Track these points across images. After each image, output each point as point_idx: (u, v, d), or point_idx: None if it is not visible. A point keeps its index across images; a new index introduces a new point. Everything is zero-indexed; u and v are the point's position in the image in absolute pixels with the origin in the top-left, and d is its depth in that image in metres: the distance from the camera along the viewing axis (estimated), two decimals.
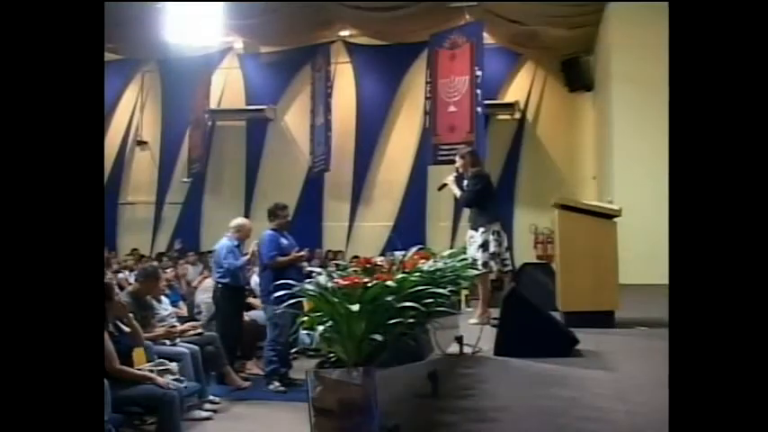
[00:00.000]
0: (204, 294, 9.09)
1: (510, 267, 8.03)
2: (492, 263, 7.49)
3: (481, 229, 7.54)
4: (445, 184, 8.09)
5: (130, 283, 9.27)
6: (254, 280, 9.35)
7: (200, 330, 7.86)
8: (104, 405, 4.97)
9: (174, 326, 7.52)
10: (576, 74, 16.13)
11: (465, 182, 7.82)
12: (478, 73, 14.30)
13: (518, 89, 17.02)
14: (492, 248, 7.48)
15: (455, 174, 8.00)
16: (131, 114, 19.31)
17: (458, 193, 7.84)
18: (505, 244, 7.71)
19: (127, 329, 6.12)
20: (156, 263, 12.13)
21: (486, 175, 8.06)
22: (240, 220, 9.04)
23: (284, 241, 8.05)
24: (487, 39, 15.29)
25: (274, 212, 8.25)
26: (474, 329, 6.33)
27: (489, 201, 7.78)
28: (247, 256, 8.55)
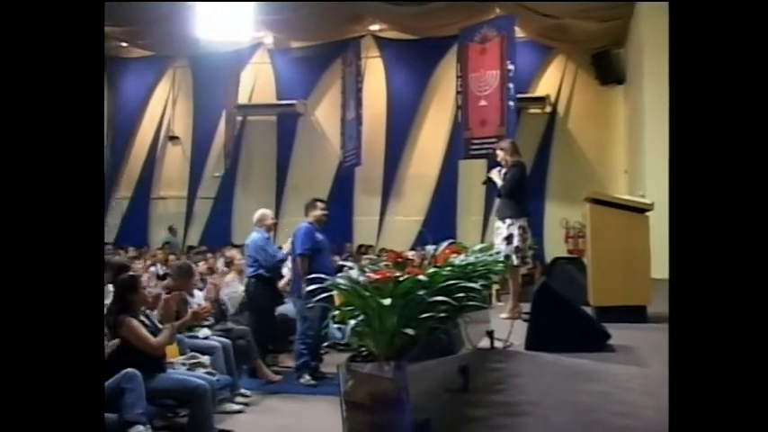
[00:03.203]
0: (228, 289, 9.13)
1: (531, 265, 8.01)
2: (514, 257, 7.46)
3: (508, 221, 7.53)
4: (490, 178, 8.06)
5: (160, 276, 9.35)
6: (285, 272, 9.38)
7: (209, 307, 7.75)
8: (139, 398, 5.03)
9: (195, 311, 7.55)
10: (607, 67, 16.01)
11: (504, 171, 7.81)
12: (510, 67, 14.25)
13: (549, 83, 16.94)
14: (516, 242, 7.47)
15: (498, 167, 7.97)
16: (163, 110, 19.45)
17: (500, 184, 7.83)
18: (529, 241, 7.69)
19: (156, 320, 6.18)
20: (186, 257, 12.23)
21: (523, 165, 8.01)
22: (260, 212, 9.07)
23: (319, 236, 8.07)
24: (518, 32, 15.22)
25: (312, 206, 8.28)
26: (505, 324, 6.32)
27: (521, 193, 7.76)
28: (285, 251, 8.57)
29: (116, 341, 5.38)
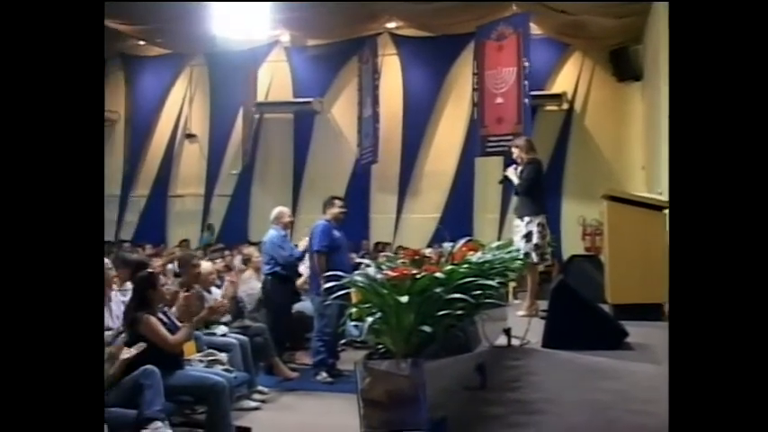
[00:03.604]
0: (245, 286, 9.17)
1: (549, 262, 8.01)
2: (533, 254, 7.48)
3: (526, 219, 7.54)
4: (506, 177, 8.05)
5: (177, 274, 9.39)
6: (302, 270, 9.42)
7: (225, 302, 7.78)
8: (158, 394, 5.06)
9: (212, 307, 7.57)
10: (624, 64, 15.91)
11: (520, 169, 7.79)
12: (526, 64, 14.20)
13: (566, 80, 16.86)
14: (535, 240, 7.48)
15: (514, 165, 7.96)
16: (180, 108, 19.50)
17: (516, 182, 7.81)
18: (548, 238, 7.69)
19: (174, 318, 6.21)
20: (197, 252, 12.25)
21: (539, 162, 8.01)
22: (277, 210, 9.13)
23: (336, 233, 8.09)
24: (534, 29, 15.17)
25: (330, 204, 8.31)
26: (522, 321, 6.31)
27: (538, 190, 7.75)
28: (302, 247, 8.60)
29: (142, 344, 5.39)
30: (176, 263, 8.76)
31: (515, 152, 7.93)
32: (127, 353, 5.17)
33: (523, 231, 7.52)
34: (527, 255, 7.40)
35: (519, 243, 7.44)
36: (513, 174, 7.86)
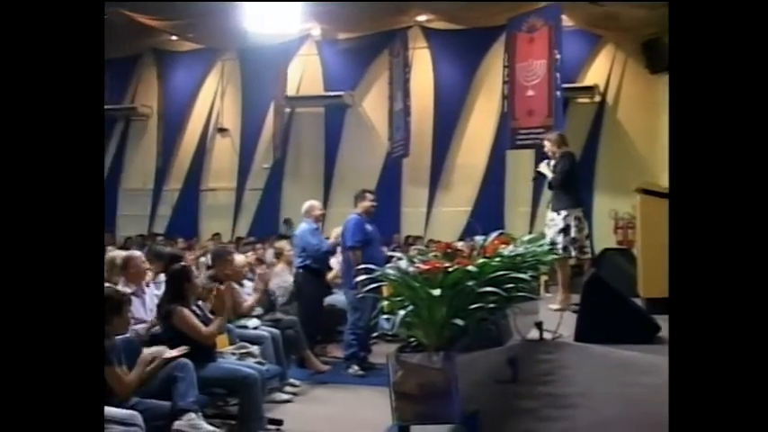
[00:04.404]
0: (277, 279, 9.22)
1: (589, 255, 7.94)
2: (571, 248, 7.44)
3: (563, 213, 7.48)
4: (539, 173, 8.01)
5: (209, 267, 9.46)
6: (334, 263, 9.45)
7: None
8: (191, 386, 5.11)
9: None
10: (657, 55, 15.72)
11: (553, 163, 7.76)
12: (557, 56, 14.11)
13: (598, 72, 16.72)
14: (573, 233, 7.43)
15: (546, 159, 7.92)
16: (212, 102, 19.59)
17: (550, 176, 7.77)
18: (586, 231, 7.65)
19: (207, 311, 6.26)
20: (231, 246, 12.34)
21: (572, 155, 7.95)
22: (308, 203, 9.16)
23: (368, 227, 8.11)
24: (566, 21, 15.04)
25: (361, 197, 8.33)
26: (554, 315, 6.29)
27: (573, 183, 7.70)
28: (332, 240, 8.63)
29: (185, 347, 5.42)
30: (210, 256, 8.83)
31: (547, 146, 7.89)
32: (169, 353, 5.22)
33: (560, 225, 7.46)
34: (565, 249, 7.37)
35: (556, 237, 7.39)
36: (545, 168, 7.81)
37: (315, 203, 9.21)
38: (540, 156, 8.23)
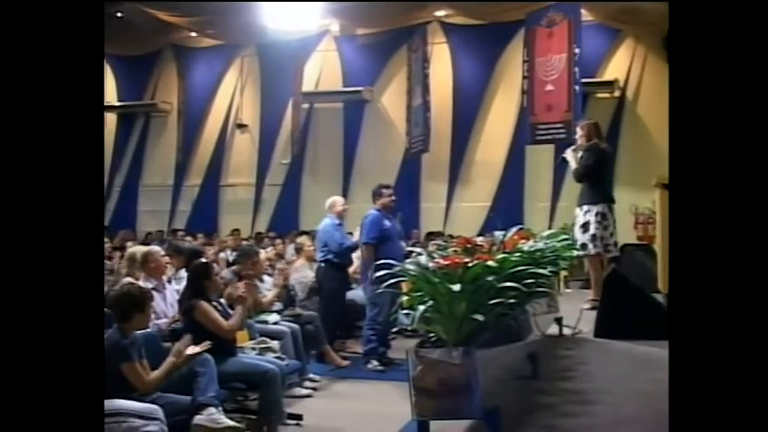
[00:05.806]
0: (297, 274, 9.24)
1: (613, 253, 7.71)
2: (590, 245, 7.27)
3: (585, 208, 7.35)
4: (563, 158, 7.89)
5: (230, 262, 9.50)
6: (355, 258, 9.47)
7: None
8: (212, 381, 5.13)
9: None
10: None
11: (580, 154, 7.62)
12: (576, 51, 14.04)
13: (618, 67, 16.62)
14: (592, 230, 7.27)
15: (573, 147, 7.79)
16: (231, 98, 19.64)
17: (573, 166, 7.67)
18: (611, 228, 7.46)
19: (227, 307, 6.29)
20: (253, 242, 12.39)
21: (599, 149, 7.68)
22: (331, 199, 9.18)
23: (387, 222, 8.12)
24: (585, 15, 14.96)
25: (378, 193, 8.33)
26: (573, 311, 6.27)
27: (599, 178, 7.54)
28: (355, 238, 8.64)
29: (208, 343, 5.43)
30: (235, 253, 8.88)
31: (579, 133, 7.76)
32: (192, 349, 5.25)
33: (581, 221, 7.31)
34: (584, 246, 7.23)
35: (576, 233, 7.29)
36: (571, 156, 7.66)
37: (338, 199, 9.23)
38: (565, 146, 8.10)
